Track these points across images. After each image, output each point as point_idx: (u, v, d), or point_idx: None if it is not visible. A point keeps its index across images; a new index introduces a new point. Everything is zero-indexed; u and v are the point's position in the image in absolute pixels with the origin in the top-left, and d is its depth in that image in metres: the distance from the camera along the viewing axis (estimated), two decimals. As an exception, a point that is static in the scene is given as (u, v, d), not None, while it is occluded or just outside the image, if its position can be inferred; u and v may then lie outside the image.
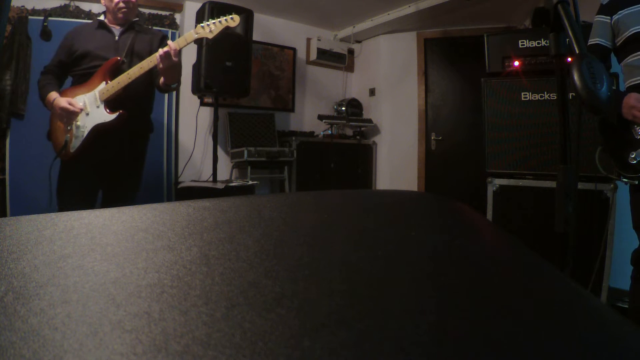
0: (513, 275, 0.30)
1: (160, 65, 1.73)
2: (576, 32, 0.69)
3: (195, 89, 3.00)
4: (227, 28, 1.81)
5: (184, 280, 0.25)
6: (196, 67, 2.94)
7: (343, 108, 4.03)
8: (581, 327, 0.22)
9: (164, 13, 3.44)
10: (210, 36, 1.81)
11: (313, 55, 4.05)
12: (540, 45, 2.18)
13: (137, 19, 2.03)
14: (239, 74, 2.99)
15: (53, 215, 0.40)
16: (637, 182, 1.45)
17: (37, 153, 2.51)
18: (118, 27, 1.95)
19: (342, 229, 0.39)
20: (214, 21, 1.80)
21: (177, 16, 3.51)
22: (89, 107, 1.82)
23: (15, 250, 0.31)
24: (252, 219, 0.40)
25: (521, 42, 2.22)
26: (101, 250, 0.31)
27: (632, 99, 1.41)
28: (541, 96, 2.15)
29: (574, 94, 1.01)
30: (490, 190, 2.24)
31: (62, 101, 1.80)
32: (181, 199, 2.17)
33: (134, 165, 2.01)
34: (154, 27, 3.23)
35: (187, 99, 3.37)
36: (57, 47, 1.97)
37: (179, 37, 2.07)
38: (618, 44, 1.54)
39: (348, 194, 0.58)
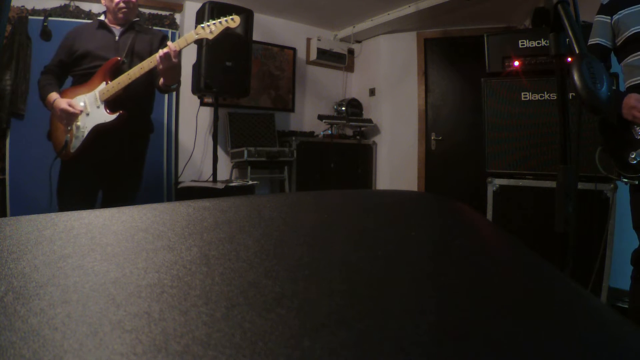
0: (513, 276, 0.30)
1: (160, 66, 1.73)
2: (576, 32, 0.69)
3: (195, 89, 3.00)
4: (227, 29, 1.81)
5: (184, 280, 0.25)
6: (196, 67, 2.94)
7: (343, 108, 4.03)
8: (581, 327, 0.22)
9: (164, 13, 3.44)
10: (210, 37, 1.81)
11: (313, 55, 4.05)
12: (540, 45, 2.18)
13: (138, 19, 2.03)
14: (239, 74, 2.99)
15: (53, 215, 0.40)
16: (637, 182, 1.45)
17: (37, 153, 2.51)
18: (118, 27, 1.95)
19: (342, 229, 0.39)
20: (214, 22, 1.80)
21: (177, 16, 3.51)
22: (89, 107, 1.82)
23: (15, 250, 0.31)
24: (252, 219, 0.40)
25: (521, 42, 2.22)
26: (101, 250, 0.31)
27: (632, 99, 1.41)
28: (541, 96, 2.15)
29: (574, 94, 1.01)
30: (490, 190, 2.24)
31: (62, 102, 1.80)
32: (181, 199, 2.16)
33: (134, 166, 2.01)
34: (154, 27, 3.22)
35: (187, 99, 3.36)
36: (57, 47, 1.96)
37: (179, 37, 2.07)
38: (618, 44, 1.54)
39: (348, 194, 0.58)
